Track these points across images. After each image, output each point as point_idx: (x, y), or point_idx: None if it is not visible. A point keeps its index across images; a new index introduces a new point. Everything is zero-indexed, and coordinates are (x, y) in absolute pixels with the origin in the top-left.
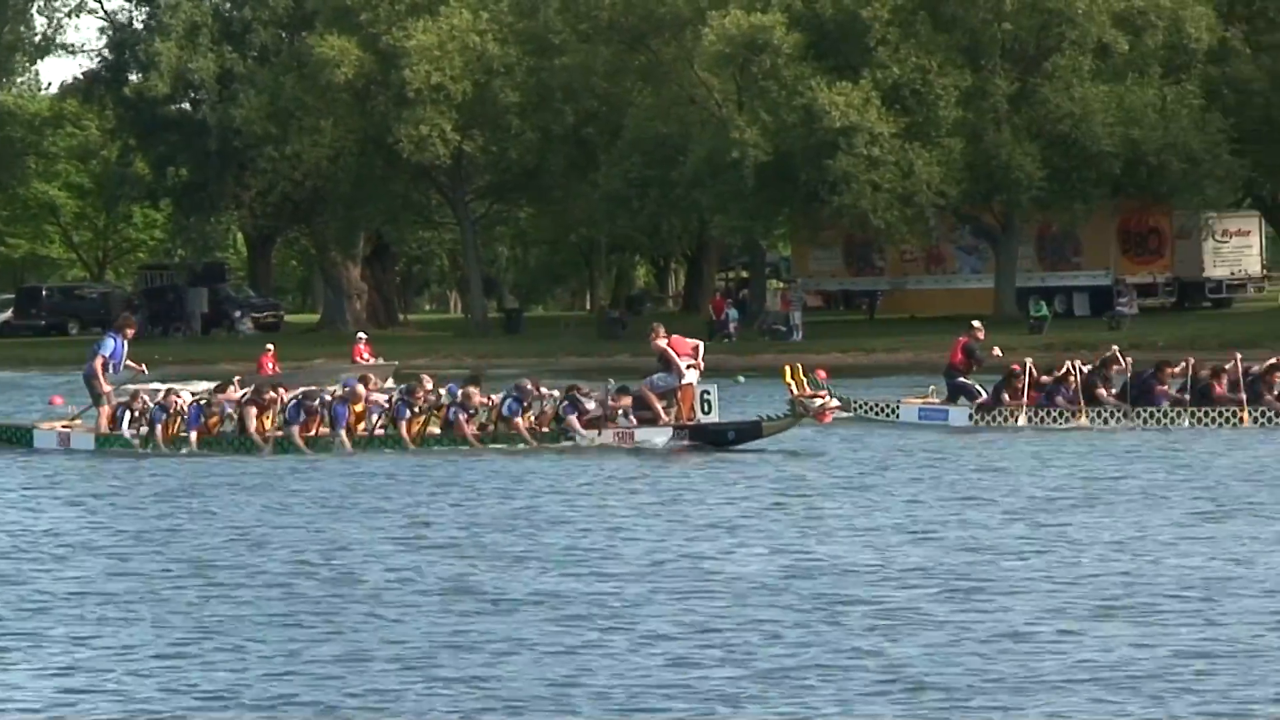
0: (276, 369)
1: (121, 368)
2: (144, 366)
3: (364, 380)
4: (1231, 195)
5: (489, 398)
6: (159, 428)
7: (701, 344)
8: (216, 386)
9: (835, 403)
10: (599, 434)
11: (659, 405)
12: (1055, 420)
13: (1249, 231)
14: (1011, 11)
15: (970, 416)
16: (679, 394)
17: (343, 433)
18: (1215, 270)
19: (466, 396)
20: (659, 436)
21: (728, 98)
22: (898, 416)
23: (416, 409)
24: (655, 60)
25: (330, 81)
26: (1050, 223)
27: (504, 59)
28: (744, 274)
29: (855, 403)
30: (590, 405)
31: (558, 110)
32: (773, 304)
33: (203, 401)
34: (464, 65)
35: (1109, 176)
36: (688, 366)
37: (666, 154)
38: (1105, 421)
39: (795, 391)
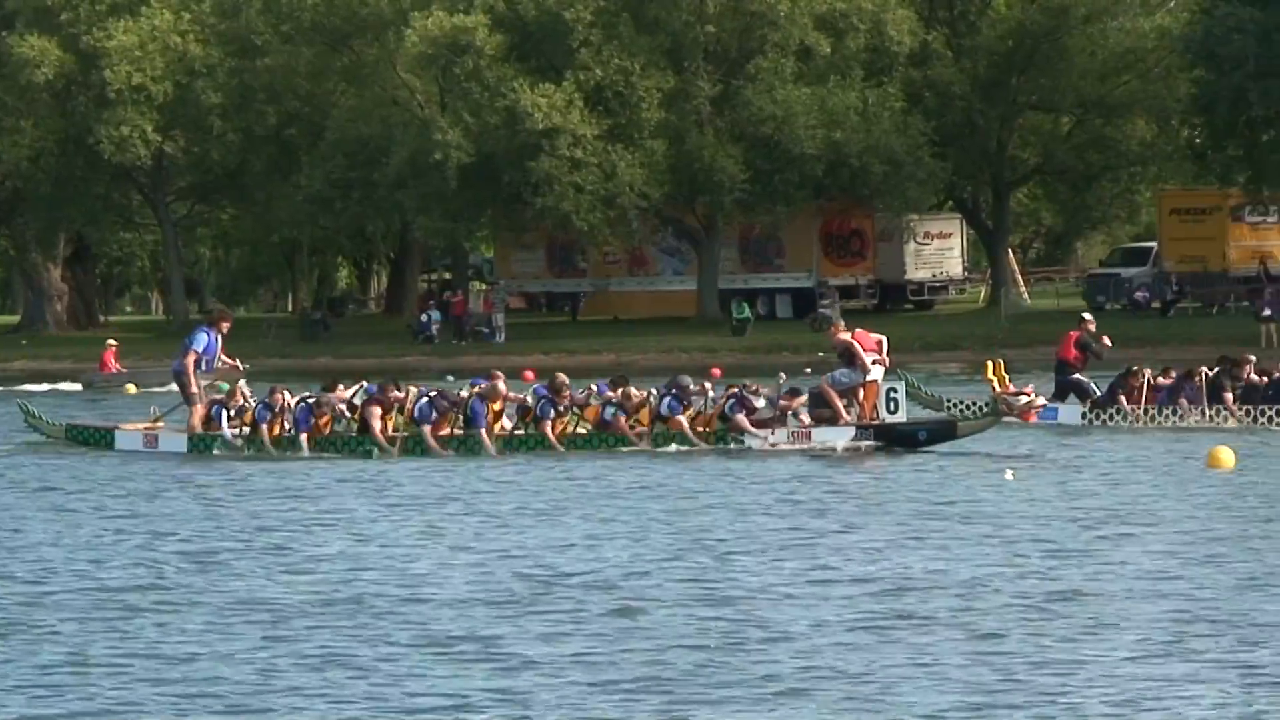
0: (119, 367)
1: (215, 364)
2: (239, 363)
3: (493, 377)
4: (933, 198)
5: (648, 393)
6: (264, 427)
7: (885, 339)
8: (325, 385)
9: (1041, 400)
10: (772, 433)
11: (840, 404)
12: (1176, 419)
13: (950, 234)
14: (714, 14)
15: (1083, 415)
16: (861, 392)
17: (483, 432)
18: (917, 272)
19: (625, 396)
20: (839, 437)
21: (430, 99)
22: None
23: (561, 408)
24: (358, 61)
25: (30, 82)
26: (753, 225)
27: (206, 60)
28: (447, 276)
29: (948, 401)
30: (759, 404)
31: (260, 111)
32: (476, 306)
33: (310, 400)
34: (165, 66)
35: (811, 179)
36: (873, 362)
37: (369, 155)
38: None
39: (997, 389)
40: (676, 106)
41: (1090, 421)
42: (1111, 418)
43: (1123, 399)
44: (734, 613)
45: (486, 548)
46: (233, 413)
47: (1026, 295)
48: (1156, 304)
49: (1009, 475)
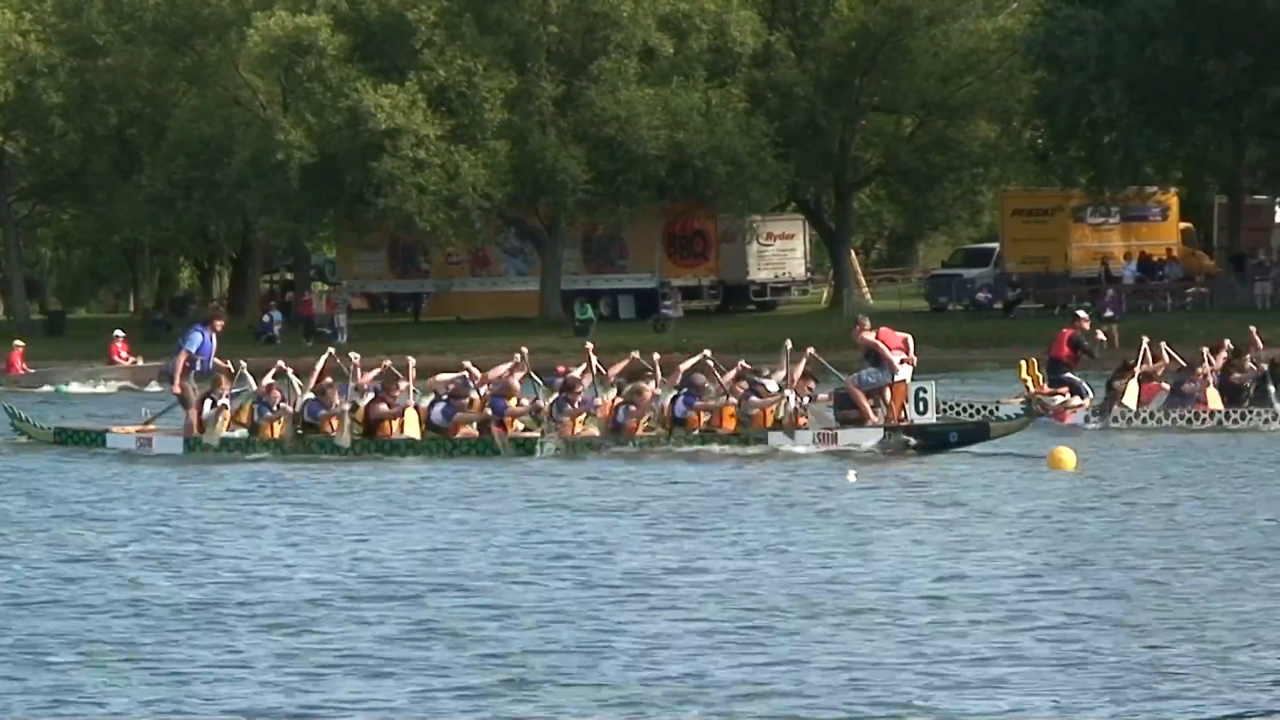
0: (25, 368)
1: (210, 365)
2: (230, 364)
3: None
4: (776, 199)
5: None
6: (271, 426)
7: (911, 338)
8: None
9: (1077, 400)
10: (794, 435)
11: (867, 404)
12: (1188, 421)
13: (793, 235)
14: (557, 14)
15: (1085, 419)
16: (889, 392)
17: (496, 430)
18: (759, 273)
19: (637, 393)
20: (867, 438)
21: (273, 99)
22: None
23: (575, 405)
24: (200, 61)
25: None
26: (596, 225)
27: (47, 59)
28: (289, 276)
29: (948, 404)
30: (771, 387)
31: (101, 111)
32: (319, 306)
33: (308, 397)
34: (6, 66)
35: (654, 179)
36: (900, 361)
37: (211, 155)
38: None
39: (1032, 389)
40: (519, 107)
41: (1100, 426)
42: (1116, 419)
43: (1116, 386)
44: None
45: (335, 550)
46: (222, 401)
47: (869, 296)
48: (998, 305)
49: (851, 477)
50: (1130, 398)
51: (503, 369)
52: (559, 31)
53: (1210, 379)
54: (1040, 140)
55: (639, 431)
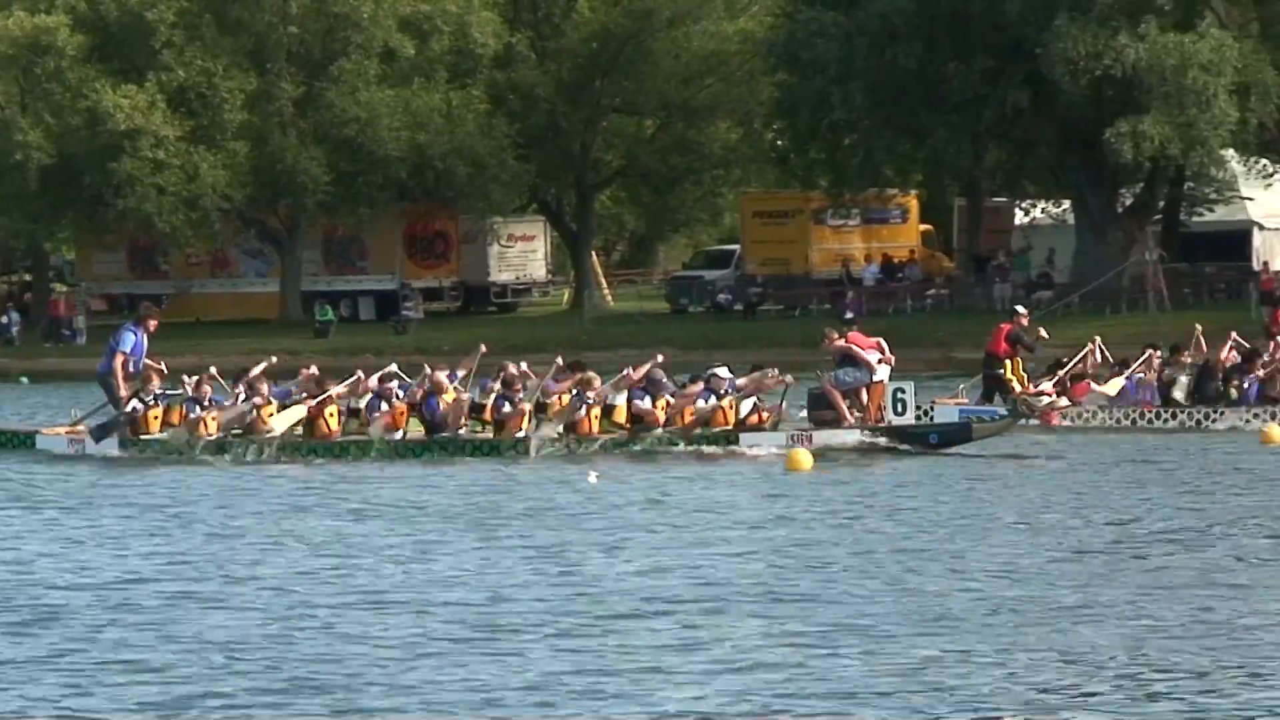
0: None
1: (142, 365)
2: (164, 365)
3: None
4: (517, 200)
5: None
6: (203, 425)
7: (883, 340)
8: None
9: (1064, 402)
10: (765, 435)
11: (844, 405)
12: (1131, 421)
13: (534, 237)
14: (297, 15)
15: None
16: (867, 393)
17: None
18: (501, 275)
19: (587, 384)
20: (844, 439)
21: (10, 99)
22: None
23: (516, 403)
24: None
25: None
26: (336, 227)
27: None
28: (28, 277)
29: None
30: (723, 373)
31: None
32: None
33: (241, 395)
34: None
35: (395, 181)
36: (878, 361)
37: None
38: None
39: (1018, 389)
40: (259, 108)
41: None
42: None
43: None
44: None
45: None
46: (152, 400)
47: (610, 298)
48: (739, 307)
49: (592, 478)
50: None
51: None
52: (299, 32)
53: (1150, 378)
54: (781, 142)
55: (594, 430)
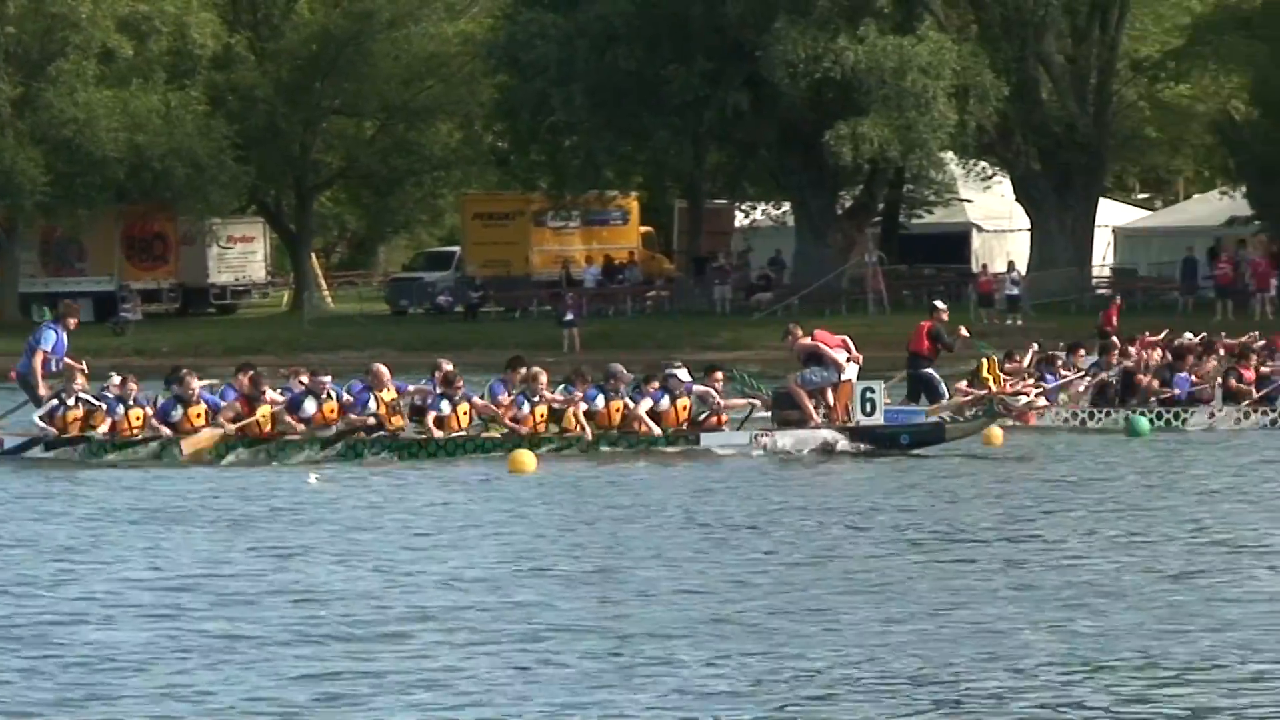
0: None
1: (62, 363)
2: (84, 364)
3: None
4: (236, 202)
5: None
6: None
7: (849, 338)
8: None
9: (1043, 401)
10: (728, 436)
11: (810, 405)
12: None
13: (254, 238)
14: (14, 15)
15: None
16: (834, 392)
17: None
18: (220, 276)
19: (533, 379)
20: (810, 440)
21: None
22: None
23: (455, 401)
24: None
25: None
26: (54, 228)
27: None
28: None
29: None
30: (683, 375)
31: None
32: None
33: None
34: None
35: (113, 181)
36: (846, 360)
37: None
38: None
39: (994, 388)
40: None
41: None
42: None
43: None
44: None
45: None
46: (71, 402)
47: (330, 299)
48: (460, 308)
49: (312, 480)
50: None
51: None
52: (16, 33)
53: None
54: (501, 144)
55: (541, 427)
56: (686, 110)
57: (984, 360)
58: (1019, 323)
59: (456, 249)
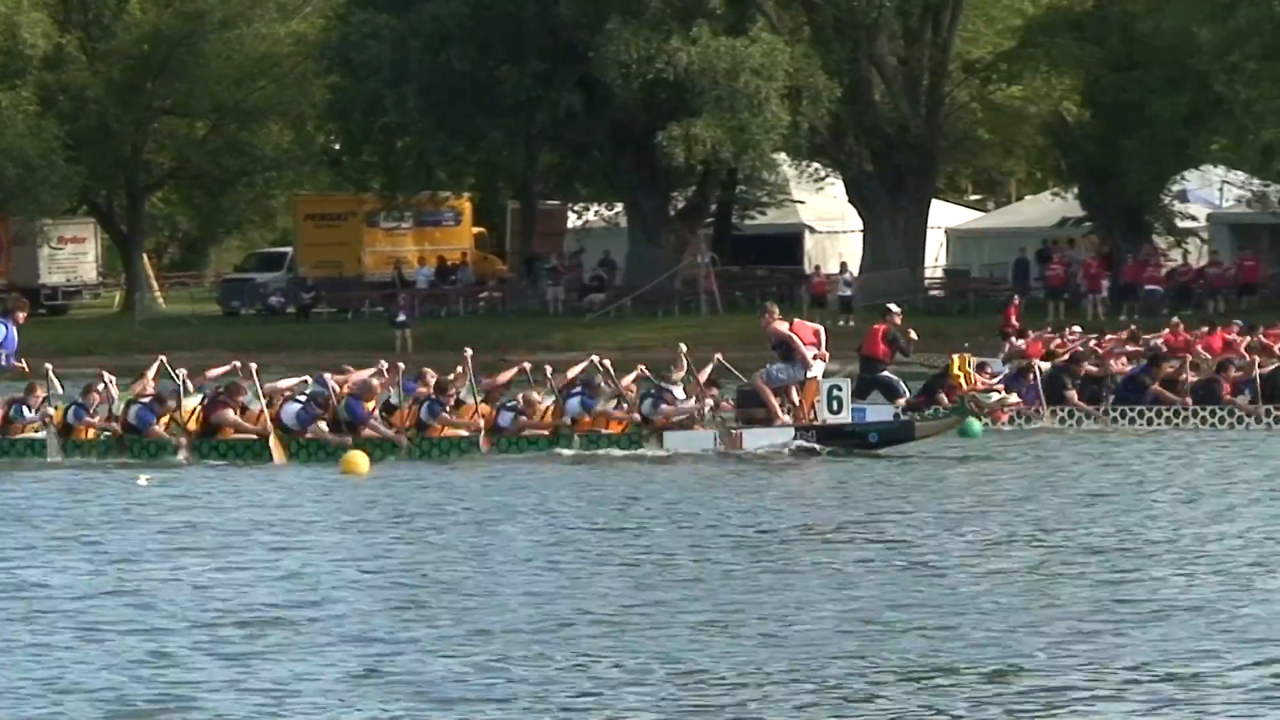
0: None
1: (12, 361)
2: (24, 364)
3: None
4: (67, 202)
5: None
6: (86, 429)
7: (822, 329)
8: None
9: (1014, 399)
10: (693, 435)
11: (775, 402)
12: (1021, 421)
13: (85, 239)
14: None
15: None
16: (796, 390)
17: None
18: (51, 277)
19: (529, 403)
20: (774, 439)
21: None
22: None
23: (448, 409)
24: None
25: None
26: None
27: None
28: None
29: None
30: (679, 394)
31: None
32: None
33: (147, 399)
34: None
35: None
36: (814, 357)
37: None
38: (1078, 424)
39: (965, 386)
40: None
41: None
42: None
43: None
44: None
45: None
46: (34, 411)
47: (162, 300)
48: (292, 309)
49: (141, 481)
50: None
51: (365, 374)
52: None
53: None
54: (334, 145)
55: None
56: (519, 111)
57: (955, 358)
58: (852, 324)
59: (289, 250)
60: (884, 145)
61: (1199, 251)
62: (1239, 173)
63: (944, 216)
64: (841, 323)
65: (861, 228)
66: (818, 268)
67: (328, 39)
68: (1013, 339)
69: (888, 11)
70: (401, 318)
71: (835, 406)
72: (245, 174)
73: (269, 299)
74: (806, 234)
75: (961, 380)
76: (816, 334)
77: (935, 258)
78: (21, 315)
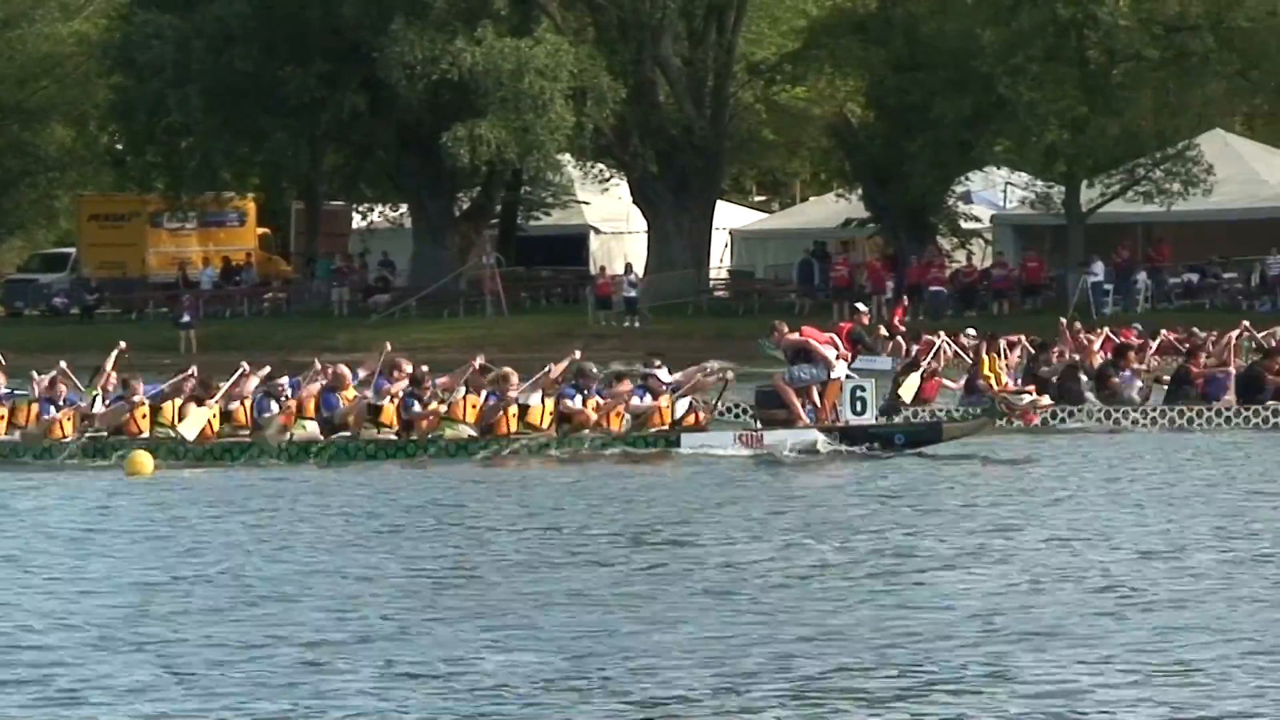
0: None
1: None
2: (2, 359)
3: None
4: None
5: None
6: (59, 425)
7: (835, 336)
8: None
9: (1046, 400)
10: (711, 436)
11: (797, 403)
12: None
13: None
14: None
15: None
16: (816, 391)
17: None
18: None
19: (504, 379)
20: (798, 440)
21: None
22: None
23: (423, 401)
24: None
25: None
26: None
27: None
28: None
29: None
30: (664, 375)
31: None
32: None
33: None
34: None
35: None
36: (835, 357)
37: None
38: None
39: (995, 387)
40: None
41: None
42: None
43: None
44: None
45: None
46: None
47: None
48: (75, 310)
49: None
50: (908, 393)
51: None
52: None
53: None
54: (117, 145)
55: (512, 430)
56: (303, 112)
57: (985, 359)
58: (637, 325)
59: (72, 250)
60: (669, 146)
61: (983, 253)
62: (1022, 174)
63: (729, 218)
64: (627, 324)
65: (646, 229)
66: (603, 269)
67: (111, 39)
68: (897, 338)
69: (672, 13)
70: (186, 319)
71: (859, 407)
72: (28, 174)
73: (52, 300)
74: (591, 235)
75: (992, 381)
76: (832, 339)
77: (720, 259)
78: None
